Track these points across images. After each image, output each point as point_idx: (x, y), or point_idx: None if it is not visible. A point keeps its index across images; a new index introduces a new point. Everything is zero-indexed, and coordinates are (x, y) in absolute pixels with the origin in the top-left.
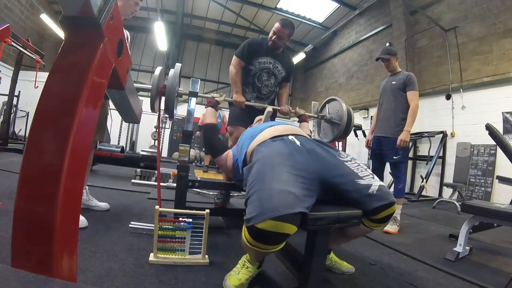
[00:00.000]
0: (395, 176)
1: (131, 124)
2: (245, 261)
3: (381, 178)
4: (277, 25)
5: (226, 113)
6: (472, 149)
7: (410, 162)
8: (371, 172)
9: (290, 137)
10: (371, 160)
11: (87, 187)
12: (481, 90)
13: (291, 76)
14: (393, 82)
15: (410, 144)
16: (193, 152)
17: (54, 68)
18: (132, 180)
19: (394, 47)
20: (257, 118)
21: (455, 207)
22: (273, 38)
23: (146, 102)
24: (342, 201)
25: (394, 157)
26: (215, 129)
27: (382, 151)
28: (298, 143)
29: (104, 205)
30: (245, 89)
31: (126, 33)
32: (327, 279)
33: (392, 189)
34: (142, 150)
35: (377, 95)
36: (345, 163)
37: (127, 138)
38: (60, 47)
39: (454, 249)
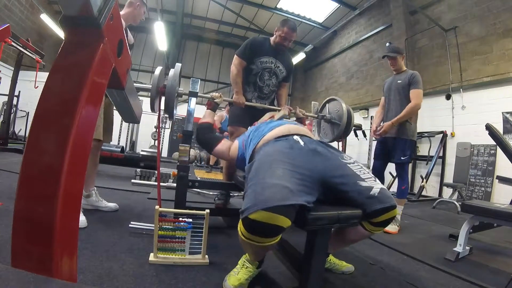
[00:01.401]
0: (399, 177)
1: (131, 124)
2: (244, 261)
3: (382, 179)
4: (285, 29)
5: None
6: (472, 149)
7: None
8: (373, 175)
9: (294, 137)
10: (371, 161)
11: (95, 188)
12: (481, 90)
13: (291, 76)
14: (399, 81)
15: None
16: (193, 152)
17: (54, 68)
18: (132, 180)
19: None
20: (269, 114)
21: (455, 207)
22: (283, 42)
23: (146, 102)
24: (342, 202)
25: (402, 158)
26: (209, 127)
27: (389, 152)
28: (301, 143)
29: (113, 205)
30: (246, 88)
31: (130, 36)
32: (327, 279)
33: (391, 189)
34: (142, 150)
35: (378, 95)
36: (347, 165)
37: (127, 138)
38: (60, 47)
39: (454, 249)
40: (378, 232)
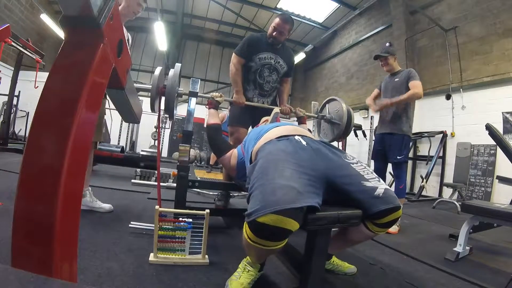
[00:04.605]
0: (396, 176)
1: (131, 124)
2: (245, 265)
3: (384, 179)
4: (277, 21)
5: None
6: (472, 149)
7: (410, 162)
8: (376, 175)
9: (296, 137)
10: (372, 161)
11: (90, 188)
12: (481, 90)
13: (292, 70)
14: (396, 80)
15: (410, 144)
16: (193, 152)
17: (54, 68)
18: (132, 180)
19: (394, 47)
20: (264, 118)
21: (455, 207)
22: (274, 34)
23: (146, 102)
24: (346, 202)
25: (398, 157)
26: (219, 129)
27: (386, 150)
28: (304, 142)
29: (108, 206)
30: (246, 87)
31: (127, 35)
32: (327, 279)
33: (392, 189)
34: (142, 150)
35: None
36: (351, 164)
37: (127, 138)
38: (60, 47)
39: (454, 249)
40: (381, 233)
